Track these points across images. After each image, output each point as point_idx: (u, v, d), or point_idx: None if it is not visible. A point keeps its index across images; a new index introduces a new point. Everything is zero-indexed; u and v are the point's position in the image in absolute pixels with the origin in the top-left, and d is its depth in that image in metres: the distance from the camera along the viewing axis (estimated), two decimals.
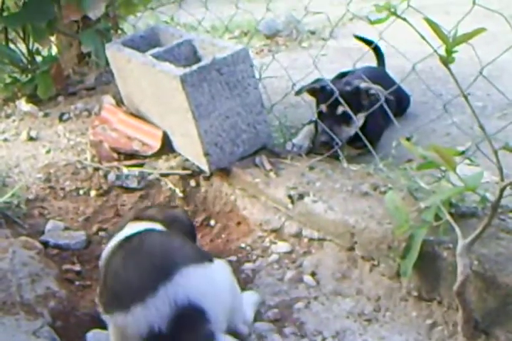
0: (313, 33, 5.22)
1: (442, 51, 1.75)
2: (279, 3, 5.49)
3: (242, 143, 2.68)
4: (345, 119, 2.79)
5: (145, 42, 3.14)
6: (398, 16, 1.78)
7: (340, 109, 2.77)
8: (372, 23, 1.81)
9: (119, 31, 3.95)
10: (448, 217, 1.87)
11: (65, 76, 3.87)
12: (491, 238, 1.92)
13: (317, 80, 2.94)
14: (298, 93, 2.92)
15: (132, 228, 2.10)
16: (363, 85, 2.79)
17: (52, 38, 3.90)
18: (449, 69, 1.75)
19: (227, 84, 2.59)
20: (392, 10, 1.76)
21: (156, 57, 2.78)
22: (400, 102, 3.20)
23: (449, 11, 4.68)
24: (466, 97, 1.76)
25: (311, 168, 2.55)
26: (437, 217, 1.94)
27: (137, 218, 2.22)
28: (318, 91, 2.90)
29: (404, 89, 3.27)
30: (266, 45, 5.09)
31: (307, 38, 5.08)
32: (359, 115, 2.80)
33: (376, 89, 2.75)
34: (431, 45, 1.76)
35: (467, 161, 2.23)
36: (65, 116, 3.46)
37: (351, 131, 2.81)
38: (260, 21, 4.95)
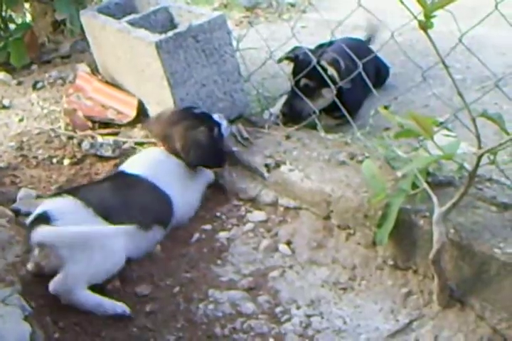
0: (293, 5, 5.16)
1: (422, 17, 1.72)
2: None
3: (218, 111, 2.63)
4: (310, 93, 2.75)
5: (121, 10, 3.08)
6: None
7: (302, 82, 2.75)
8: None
9: None
10: (425, 186, 1.85)
11: (40, 44, 3.80)
12: (468, 207, 1.91)
13: (295, 48, 2.90)
14: (279, 61, 2.88)
15: None
16: (322, 62, 2.71)
17: (27, 5, 3.83)
18: (427, 34, 1.72)
19: (203, 51, 2.55)
20: None
21: (132, 24, 2.73)
22: (379, 73, 3.17)
23: None
24: (445, 66, 1.73)
25: (288, 137, 2.52)
26: (414, 186, 1.92)
27: None
28: (293, 60, 2.86)
29: (383, 60, 3.23)
30: (246, 17, 5.03)
31: (287, 11, 5.02)
32: (324, 90, 2.76)
33: (337, 67, 2.72)
34: (409, 10, 1.73)
35: (445, 132, 2.20)
36: (39, 85, 3.39)
37: (316, 105, 2.73)
38: None
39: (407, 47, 3.44)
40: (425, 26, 1.69)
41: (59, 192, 2.22)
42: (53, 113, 3.09)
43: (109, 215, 2.08)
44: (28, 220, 2.07)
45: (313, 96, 2.77)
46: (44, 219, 1.99)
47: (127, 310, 1.94)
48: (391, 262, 2.01)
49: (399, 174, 2.07)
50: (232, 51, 2.65)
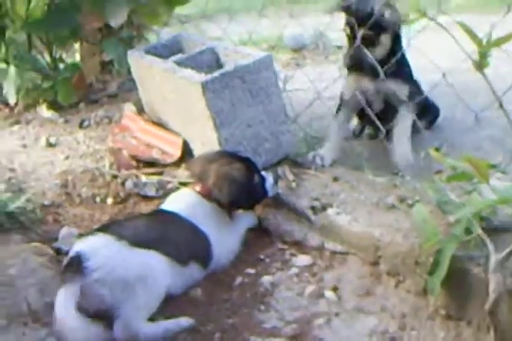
0: (339, 47, 5.16)
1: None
2: (307, 19, 5.47)
3: (264, 152, 2.60)
4: (368, 41, 2.70)
5: (167, 50, 3.08)
6: (429, 18, 1.69)
7: (360, 32, 2.68)
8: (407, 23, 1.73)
9: (143, 40, 3.90)
10: (479, 231, 1.76)
11: (88, 84, 3.82)
12: None
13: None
14: (330, 12, 2.85)
15: None
16: (377, 7, 2.63)
17: (76, 45, 3.87)
18: (482, 73, 1.66)
19: (249, 91, 2.52)
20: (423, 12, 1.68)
21: (178, 63, 2.72)
22: (429, 113, 3.11)
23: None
24: (502, 106, 1.67)
25: (335, 179, 2.45)
26: (468, 231, 1.83)
27: None
28: (346, 10, 2.80)
29: (433, 101, 3.16)
30: (293, 59, 5.04)
31: (334, 52, 5.01)
32: (383, 36, 2.72)
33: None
34: (464, 50, 1.68)
35: (499, 175, 2.12)
36: (86, 123, 3.41)
37: (377, 52, 2.72)
38: (287, 35, 5.02)
39: (456, 88, 3.37)
40: (480, 65, 1.64)
41: (92, 231, 2.17)
42: (99, 152, 3.08)
43: (145, 247, 2.03)
44: (63, 263, 2.03)
45: (373, 44, 2.72)
46: (76, 261, 1.94)
47: (190, 320, 1.98)
48: (443, 312, 1.90)
49: (451, 219, 1.98)
50: (279, 91, 2.61)
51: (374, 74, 2.71)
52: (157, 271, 2.00)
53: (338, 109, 2.95)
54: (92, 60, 3.85)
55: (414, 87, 2.83)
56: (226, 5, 6.09)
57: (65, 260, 2.01)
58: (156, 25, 3.95)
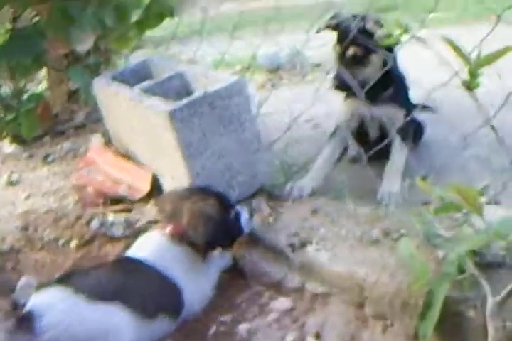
0: (318, 65, 5.03)
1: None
2: (282, 37, 5.36)
3: (237, 185, 2.42)
4: (358, 61, 2.61)
5: (136, 76, 2.90)
6: (412, 36, 1.53)
7: (350, 50, 2.59)
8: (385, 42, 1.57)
9: (111, 66, 3.73)
10: (474, 270, 1.59)
11: (54, 114, 3.64)
12: None
13: (334, 16, 2.72)
14: (317, 31, 2.73)
15: None
16: (368, 25, 2.53)
17: (43, 74, 3.70)
18: (472, 94, 1.50)
19: (220, 119, 2.34)
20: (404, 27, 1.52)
21: (145, 91, 2.54)
22: (416, 132, 2.94)
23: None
24: (493, 127, 1.52)
25: (314, 212, 2.27)
26: (460, 268, 1.67)
27: None
28: (335, 28, 2.69)
29: (418, 119, 2.99)
30: (268, 80, 4.89)
31: (312, 71, 4.88)
32: (373, 56, 2.60)
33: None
34: (453, 68, 1.52)
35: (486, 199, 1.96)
36: (50, 158, 3.22)
37: (366, 73, 2.60)
38: (262, 55, 4.87)
39: (438, 106, 3.24)
40: (470, 85, 1.48)
41: (50, 283, 1.98)
42: (62, 189, 2.89)
43: (106, 300, 1.84)
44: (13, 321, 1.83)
45: (363, 63, 2.62)
46: (27, 319, 1.74)
47: None
48: None
49: (441, 254, 1.82)
50: (252, 117, 2.44)
51: (370, 98, 2.60)
52: (119, 328, 1.81)
53: (333, 135, 2.81)
54: (60, 88, 3.69)
55: (410, 111, 2.67)
56: (198, 27, 5.97)
57: (17, 317, 1.81)
58: (125, 49, 3.78)
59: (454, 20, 5.38)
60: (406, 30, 1.57)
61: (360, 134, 2.82)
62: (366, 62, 2.60)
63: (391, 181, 2.57)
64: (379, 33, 2.47)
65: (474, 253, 1.72)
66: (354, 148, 2.96)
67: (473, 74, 1.50)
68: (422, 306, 1.68)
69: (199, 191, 2.21)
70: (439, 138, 3.11)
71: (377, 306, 1.85)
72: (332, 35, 2.69)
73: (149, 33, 3.82)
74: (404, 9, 6.44)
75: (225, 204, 2.16)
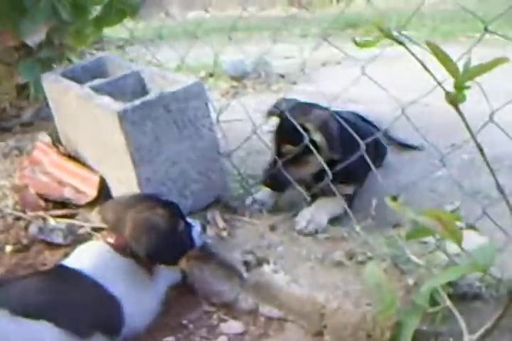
0: (283, 76, 4.91)
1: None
2: (251, 47, 5.24)
3: (191, 194, 2.24)
4: (294, 159, 2.23)
5: (89, 74, 2.69)
6: (394, 39, 1.37)
7: (283, 147, 2.26)
8: (359, 45, 1.40)
9: (66, 62, 3.52)
10: (448, 303, 1.43)
11: (1, 109, 3.42)
12: (504, 331, 1.47)
13: (287, 101, 2.42)
14: (268, 115, 2.44)
15: None
16: (308, 124, 2.19)
17: None
18: (457, 109, 1.35)
19: (175, 123, 2.16)
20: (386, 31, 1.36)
21: (96, 89, 2.35)
22: (377, 153, 2.75)
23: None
24: (479, 146, 1.37)
25: (273, 229, 2.11)
26: (432, 299, 1.51)
27: None
28: (278, 116, 2.36)
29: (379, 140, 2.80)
30: (233, 87, 4.74)
31: (277, 82, 4.75)
32: (311, 156, 2.19)
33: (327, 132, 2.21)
34: (435, 78, 1.36)
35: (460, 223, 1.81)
36: None
37: (302, 172, 2.27)
38: (227, 62, 4.72)
39: (403, 122, 3.10)
40: (455, 100, 1.32)
41: None
42: (2, 188, 2.67)
43: (33, 316, 1.64)
44: None
45: (298, 162, 2.25)
46: None
47: None
48: None
49: (410, 281, 1.66)
50: (211, 124, 2.26)
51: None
52: None
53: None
54: (9, 82, 3.46)
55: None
56: (163, 32, 5.81)
57: None
58: (81, 46, 3.58)
59: (423, 39, 5.30)
60: (388, 35, 1.40)
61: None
62: (302, 162, 2.25)
63: (320, 210, 2.27)
64: (318, 137, 2.19)
65: (448, 283, 1.56)
66: None
67: (460, 86, 1.34)
68: (390, 340, 1.52)
69: (147, 199, 2.01)
70: (406, 157, 2.97)
71: (338, 336, 1.68)
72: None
73: (112, 33, 3.64)
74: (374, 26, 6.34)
75: (174, 214, 1.96)
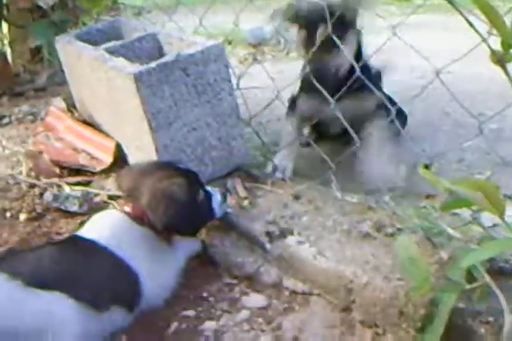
0: None
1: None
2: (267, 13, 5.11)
3: (211, 161, 2.15)
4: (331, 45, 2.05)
5: (103, 37, 2.60)
6: None
7: (320, 30, 2.10)
8: None
9: (80, 26, 3.42)
10: (487, 279, 1.34)
11: (14, 74, 3.33)
12: None
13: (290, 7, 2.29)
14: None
15: None
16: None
17: (5, 30, 3.39)
18: (505, 70, 1.23)
19: (194, 87, 2.05)
20: None
21: (111, 52, 2.24)
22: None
23: (448, 28, 4.27)
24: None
25: (297, 197, 2.00)
26: (469, 275, 1.42)
27: None
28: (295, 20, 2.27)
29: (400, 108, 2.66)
30: (251, 54, 4.63)
31: (295, 49, 4.63)
32: (348, 34, 2.13)
33: None
34: (479, 34, 1.25)
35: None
36: (5, 120, 2.91)
37: (342, 56, 2.10)
38: (246, 28, 4.61)
39: (429, 91, 2.98)
40: (503, 59, 1.21)
41: None
42: (16, 154, 2.59)
43: (47, 287, 1.55)
44: None
45: (334, 47, 2.03)
46: None
47: None
48: None
49: (444, 255, 1.57)
50: (231, 89, 2.15)
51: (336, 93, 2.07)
52: (62, 322, 1.52)
53: (289, 113, 2.50)
54: (22, 46, 3.38)
55: (384, 97, 2.26)
56: None
57: None
58: (96, 9, 3.46)
59: (445, 7, 5.15)
60: None
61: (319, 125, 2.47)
62: (340, 44, 2.04)
63: (381, 158, 2.24)
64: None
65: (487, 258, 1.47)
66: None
67: (508, 44, 1.23)
68: (423, 318, 1.43)
69: (165, 167, 1.91)
70: (430, 129, 2.86)
71: (367, 312, 1.59)
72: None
73: (129, 0, 3.54)
74: None
75: (193, 183, 1.86)
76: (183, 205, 1.79)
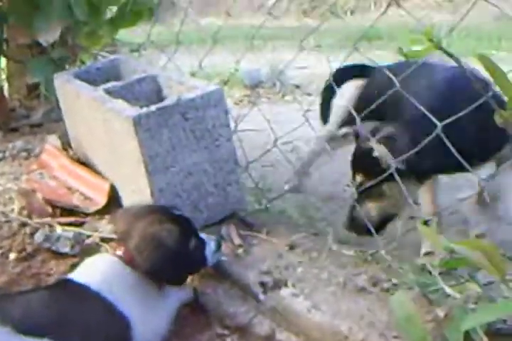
0: (297, 86, 4.85)
1: None
2: (263, 55, 5.17)
3: (206, 208, 2.13)
4: (368, 192, 2.03)
5: (102, 76, 2.60)
6: (443, 50, 1.27)
7: (357, 178, 2.06)
8: (407, 55, 1.30)
9: (78, 63, 3.42)
10: None
11: (10, 109, 3.32)
12: None
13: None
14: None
15: None
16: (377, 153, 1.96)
17: (3, 65, 3.39)
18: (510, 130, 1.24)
19: (192, 132, 2.05)
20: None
21: (110, 92, 2.24)
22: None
23: None
24: None
25: (292, 247, 1.98)
26: (467, 337, 1.39)
27: None
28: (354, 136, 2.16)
29: None
30: (246, 96, 4.66)
31: (291, 92, 4.68)
32: (384, 185, 1.98)
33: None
34: (485, 94, 1.25)
35: None
36: None
37: (379, 209, 2.05)
38: (243, 70, 4.64)
39: None
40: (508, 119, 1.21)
41: None
42: (9, 191, 2.56)
43: (36, 334, 1.52)
44: None
45: (373, 195, 2.05)
46: None
47: None
48: None
49: (441, 314, 1.54)
50: (229, 134, 2.14)
51: None
52: None
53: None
54: (19, 81, 3.38)
55: None
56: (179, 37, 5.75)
57: None
58: (94, 47, 3.48)
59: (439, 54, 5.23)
60: (436, 46, 1.30)
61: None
62: (377, 194, 2.05)
63: None
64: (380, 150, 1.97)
65: None
66: None
67: None
68: None
69: (158, 211, 1.88)
70: None
71: None
72: None
73: (125, 38, 3.57)
74: (389, 39, 6.30)
75: (186, 230, 1.83)
76: (170, 252, 1.76)
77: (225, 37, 5.97)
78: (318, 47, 6.18)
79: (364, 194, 2.06)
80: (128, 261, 1.79)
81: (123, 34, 4.42)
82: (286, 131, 2.31)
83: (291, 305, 1.74)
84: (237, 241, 2.02)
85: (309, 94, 4.56)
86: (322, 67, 2.66)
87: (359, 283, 1.75)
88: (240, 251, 1.98)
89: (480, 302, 1.52)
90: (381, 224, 2.07)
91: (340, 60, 2.03)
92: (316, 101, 4.04)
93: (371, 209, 2.08)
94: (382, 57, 4.89)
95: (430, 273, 1.65)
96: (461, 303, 1.53)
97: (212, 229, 2.10)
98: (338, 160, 2.36)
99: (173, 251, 1.76)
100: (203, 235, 1.89)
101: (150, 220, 1.81)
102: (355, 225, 2.12)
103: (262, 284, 1.82)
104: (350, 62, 2.16)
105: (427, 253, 1.92)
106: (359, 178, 2.08)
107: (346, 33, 6.24)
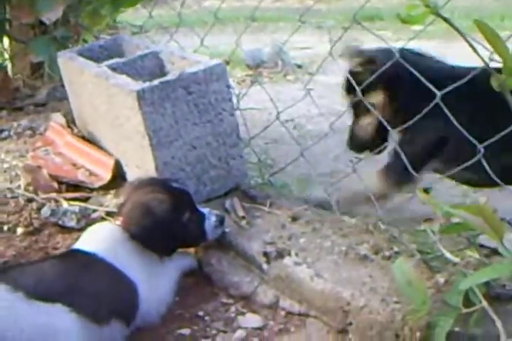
0: (299, 66, 4.85)
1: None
2: (266, 37, 5.18)
3: (209, 180, 2.15)
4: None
5: (105, 54, 2.63)
6: (439, 15, 1.29)
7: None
8: (404, 20, 1.31)
9: (81, 42, 3.44)
10: (485, 304, 1.35)
11: (14, 88, 3.34)
12: None
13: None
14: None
15: None
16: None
17: (6, 44, 3.41)
18: (507, 94, 1.26)
19: (196, 106, 2.07)
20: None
21: (113, 68, 2.26)
22: None
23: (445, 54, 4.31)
24: None
25: (295, 219, 2.00)
26: (466, 300, 1.42)
27: None
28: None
29: None
30: (249, 76, 4.67)
31: (293, 72, 4.68)
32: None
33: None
34: (481, 57, 1.27)
35: None
36: (4, 134, 2.91)
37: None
38: (245, 50, 4.65)
39: None
40: (503, 85, 1.23)
41: None
42: (15, 168, 2.59)
43: (48, 300, 1.55)
44: None
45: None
46: None
47: None
48: None
49: (441, 279, 1.57)
50: (232, 109, 2.16)
51: None
52: (64, 335, 1.53)
53: None
54: (23, 60, 3.40)
55: None
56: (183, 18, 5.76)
57: None
58: (97, 27, 3.50)
59: (441, 33, 5.21)
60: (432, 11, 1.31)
61: None
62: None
63: None
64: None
65: (484, 283, 1.47)
66: None
67: (511, 69, 1.24)
68: None
69: (156, 183, 1.92)
70: None
71: (364, 335, 1.59)
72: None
73: (132, 20, 3.58)
74: (390, 20, 6.29)
75: (180, 202, 1.86)
76: (158, 220, 1.80)
77: (227, 18, 5.98)
78: (320, 28, 6.20)
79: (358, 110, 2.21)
80: (124, 229, 1.82)
81: (124, 17, 4.44)
82: (289, 110, 2.33)
83: (294, 274, 1.77)
84: (240, 213, 2.05)
85: (311, 74, 4.57)
86: (324, 47, 2.67)
87: (361, 252, 1.78)
88: (244, 222, 2.00)
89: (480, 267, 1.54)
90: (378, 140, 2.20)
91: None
92: (318, 80, 4.07)
93: (367, 125, 2.21)
94: (383, 37, 4.88)
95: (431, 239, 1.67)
96: (461, 268, 1.56)
97: (217, 201, 2.13)
98: (341, 134, 2.37)
99: (161, 220, 1.80)
100: (204, 209, 1.92)
101: (145, 191, 1.84)
102: (355, 143, 2.29)
103: (266, 254, 1.85)
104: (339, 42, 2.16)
105: (427, 220, 1.94)
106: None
107: (348, 14, 6.24)
